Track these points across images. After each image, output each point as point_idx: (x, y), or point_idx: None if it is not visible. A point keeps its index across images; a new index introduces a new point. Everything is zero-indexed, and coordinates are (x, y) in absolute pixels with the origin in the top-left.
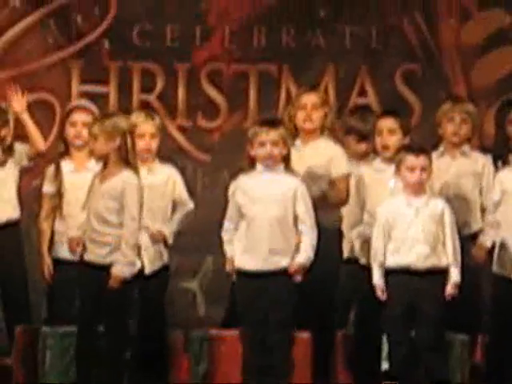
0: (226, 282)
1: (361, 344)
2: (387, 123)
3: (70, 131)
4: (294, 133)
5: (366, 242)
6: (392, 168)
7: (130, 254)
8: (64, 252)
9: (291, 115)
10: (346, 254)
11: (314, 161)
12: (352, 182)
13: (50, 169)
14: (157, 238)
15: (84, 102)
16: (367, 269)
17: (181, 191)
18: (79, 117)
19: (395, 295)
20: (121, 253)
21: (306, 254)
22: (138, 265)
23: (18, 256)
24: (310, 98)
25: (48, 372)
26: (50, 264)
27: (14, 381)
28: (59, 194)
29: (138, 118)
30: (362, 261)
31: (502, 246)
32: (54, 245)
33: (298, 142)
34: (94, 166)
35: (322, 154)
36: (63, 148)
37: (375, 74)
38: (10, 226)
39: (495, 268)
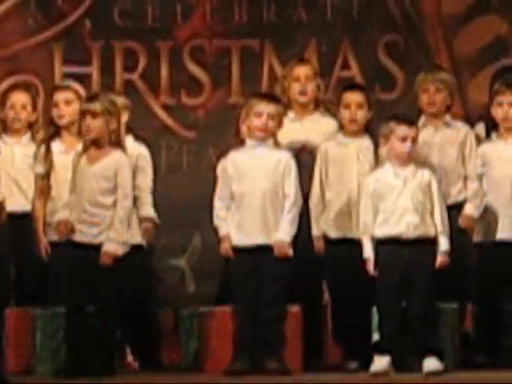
0: (215, 259)
1: (351, 316)
2: (355, 97)
3: (53, 112)
4: (287, 105)
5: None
6: (357, 141)
7: (124, 232)
8: (53, 235)
9: (285, 87)
10: None
11: (313, 134)
12: (318, 156)
13: (41, 150)
14: None
15: (65, 82)
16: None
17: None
18: (61, 96)
19: (386, 266)
20: (114, 231)
21: (283, 230)
22: (130, 243)
23: (31, 245)
24: (303, 70)
25: (39, 353)
26: (46, 244)
27: (4, 361)
28: (48, 175)
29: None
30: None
31: (485, 212)
32: (46, 226)
33: (291, 114)
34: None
35: (321, 129)
36: (53, 129)
37: (358, 47)
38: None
39: (477, 237)
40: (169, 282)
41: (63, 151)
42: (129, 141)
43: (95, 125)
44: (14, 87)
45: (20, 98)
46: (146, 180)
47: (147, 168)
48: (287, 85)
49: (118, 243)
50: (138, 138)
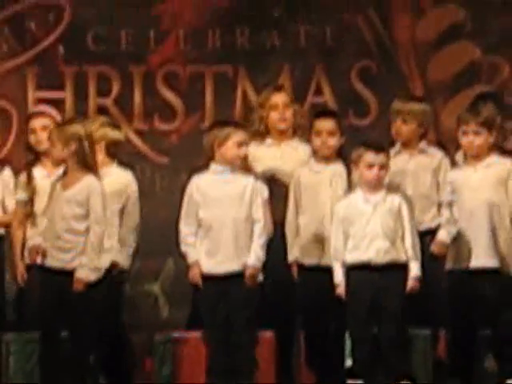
0: (188, 284)
1: (324, 342)
2: (326, 124)
3: (31, 138)
4: (264, 133)
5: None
6: (329, 167)
7: (96, 257)
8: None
9: (262, 116)
10: None
11: (290, 160)
12: (291, 183)
13: (22, 176)
14: None
15: (41, 107)
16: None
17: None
18: (37, 122)
19: (357, 292)
20: (86, 257)
21: (255, 256)
22: (103, 268)
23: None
24: (280, 98)
25: (12, 377)
26: (23, 270)
27: None
28: (31, 201)
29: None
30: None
31: (457, 240)
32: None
33: (269, 140)
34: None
35: (298, 155)
36: (32, 156)
37: (331, 73)
38: None
39: (449, 264)
40: (142, 307)
41: (45, 176)
42: (113, 167)
43: (53, 152)
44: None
45: None
46: (133, 218)
47: (136, 203)
48: (265, 113)
49: (89, 269)
50: (122, 163)
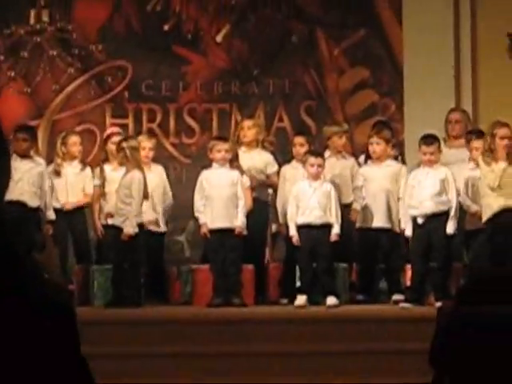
0: (201, 236)
1: (285, 271)
2: (299, 139)
3: (110, 147)
4: (240, 143)
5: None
6: (299, 167)
7: (134, 220)
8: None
9: (238, 134)
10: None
11: (257, 162)
12: (280, 175)
13: (97, 170)
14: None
15: (117, 128)
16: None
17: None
18: (115, 138)
19: (303, 241)
20: (129, 221)
21: (240, 220)
22: (137, 229)
23: (85, 227)
24: (246, 123)
25: (96, 294)
26: (100, 227)
27: (76, 300)
28: (103, 185)
29: (142, 137)
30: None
31: (364, 210)
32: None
33: (242, 149)
34: (123, 169)
35: (261, 159)
36: (104, 156)
37: (288, 109)
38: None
39: (358, 223)
40: (174, 250)
41: (111, 170)
42: (154, 165)
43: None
44: (72, 133)
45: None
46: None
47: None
48: (238, 133)
49: (131, 227)
50: (160, 163)
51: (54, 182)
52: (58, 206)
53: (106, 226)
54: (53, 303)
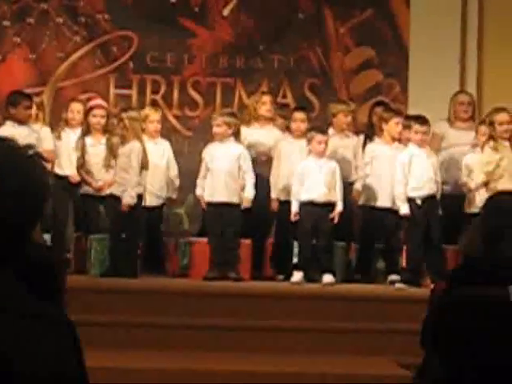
0: (200, 208)
1: (281, 247)
2: (300, 115)
3: (91, 119)
4: (252, 120)
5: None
6: (300, 142)
7: (133, 191)
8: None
9: (255, 108)
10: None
11: (271, 136)
12: (275, 150)
13: (78, 142)
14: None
15: (99, 101)
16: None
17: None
18: (96, 111)
19: (305, 218)
20: (128, 191)
21: (249, 192)
22: (135, 199)
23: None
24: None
25: (93, 263)
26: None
27: (73, 268)
28: (83, 157)
29: (149, 110)
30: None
31: (367, 188)
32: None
33: (256, 124)
34: (104, 141)
35: (274, 134)
36: (86, 129)
37: (292, 86)
38: None
39: (361, 201)
40: (173, 222)
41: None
42: (158, 138)
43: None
44: (74, 100)
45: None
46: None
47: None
48: (258, 106)
49: (129, 198)
50: (164, 136)
51: (57, 149)
52: (60, 172)
53: (105, 196)
54: (34, 258)
